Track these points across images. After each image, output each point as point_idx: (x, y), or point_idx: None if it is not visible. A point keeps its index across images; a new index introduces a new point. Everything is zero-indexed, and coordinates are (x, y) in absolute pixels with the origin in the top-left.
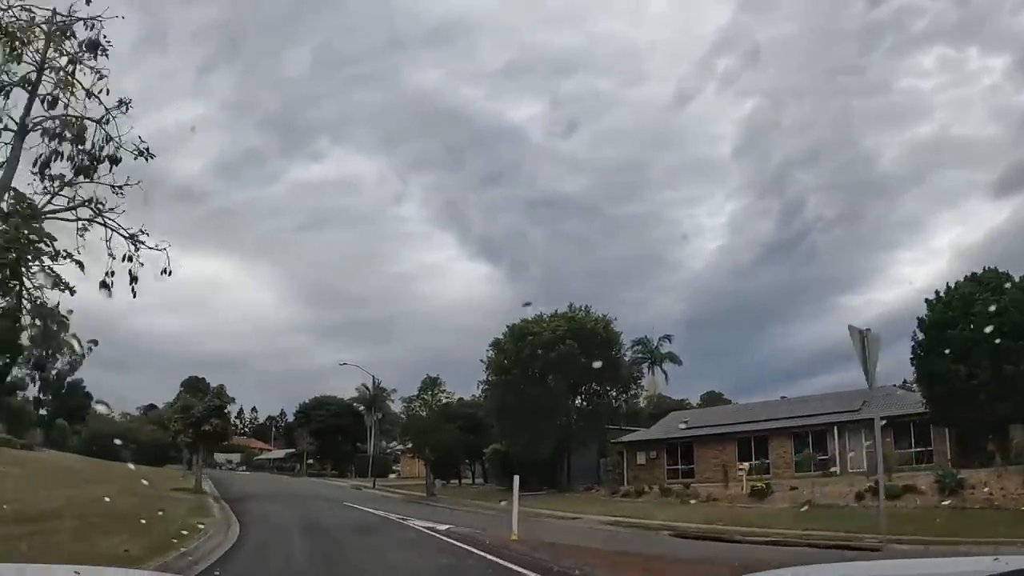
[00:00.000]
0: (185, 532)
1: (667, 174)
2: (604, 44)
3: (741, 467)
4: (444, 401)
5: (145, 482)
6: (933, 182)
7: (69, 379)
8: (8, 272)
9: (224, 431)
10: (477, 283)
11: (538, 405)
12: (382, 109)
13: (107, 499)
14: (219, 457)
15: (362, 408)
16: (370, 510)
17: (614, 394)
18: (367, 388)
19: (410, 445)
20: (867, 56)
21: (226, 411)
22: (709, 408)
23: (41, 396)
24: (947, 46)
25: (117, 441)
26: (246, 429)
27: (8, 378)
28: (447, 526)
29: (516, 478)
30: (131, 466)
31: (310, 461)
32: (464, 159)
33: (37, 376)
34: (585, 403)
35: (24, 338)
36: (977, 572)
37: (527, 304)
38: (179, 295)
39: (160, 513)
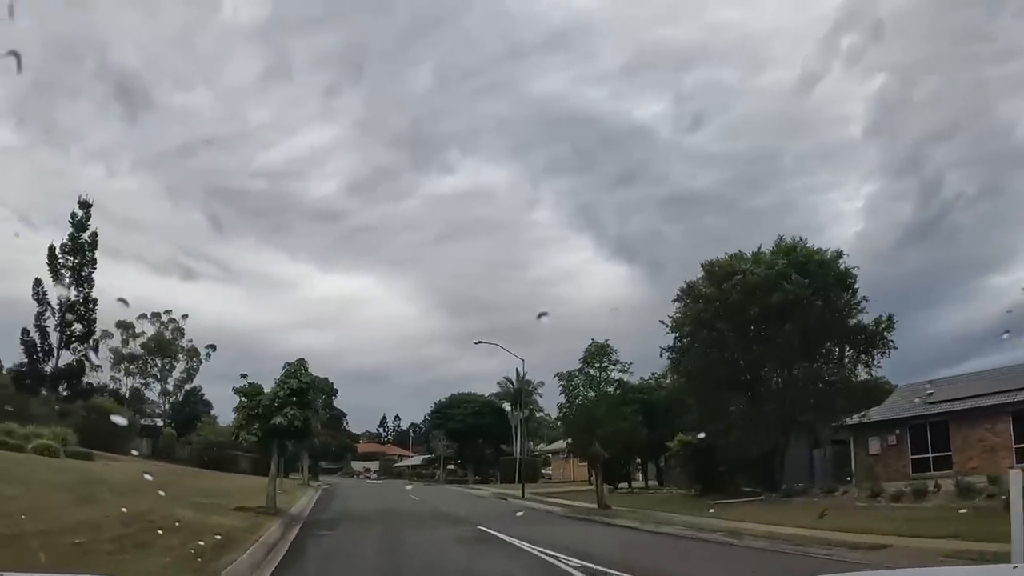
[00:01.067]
0: None
1: (798, 161)
2: (723, 33)
3: None
4: (618, 376)
5: (162, 492)
6: None
7: (188, 387)
8: None
9: (304, 426)
10: (615, 284)
11: (754, 375)
12: (508, 117)
13: None
14: (356, 465)
15: (505, 405)
16: (527, 547)
17: (849, 358)
18: (510, 382)
19: (568, 441)
20: (995, 21)
21: (308, 398)
22: (960, 376)
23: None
24: None
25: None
26: (389, 437)
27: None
28: None
29: None
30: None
31: (450, 466)
32: (594, 161)
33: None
34: (816, 371)
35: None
36: None
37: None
38: (322, 312)
39: None
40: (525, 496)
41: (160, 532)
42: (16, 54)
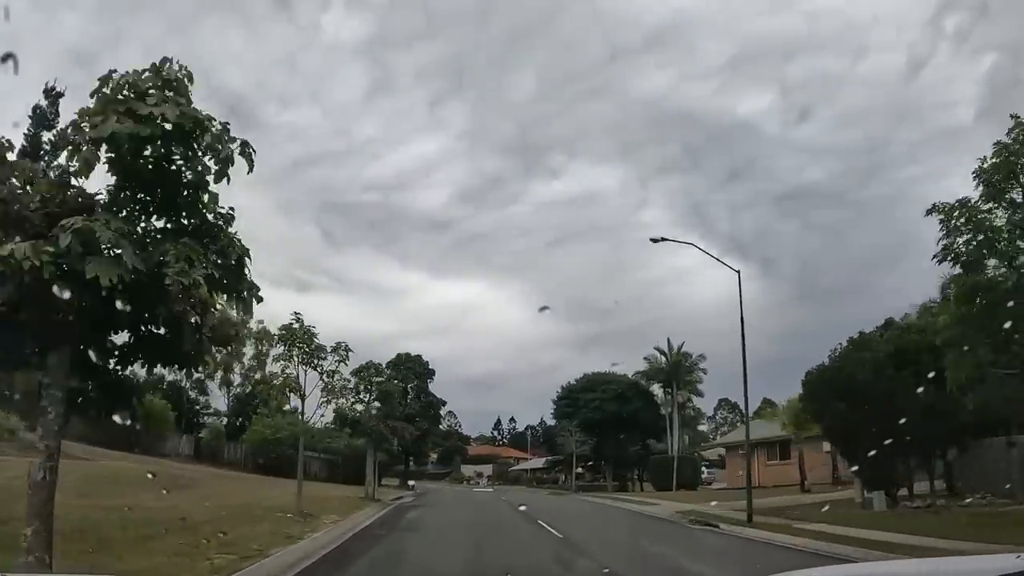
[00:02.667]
0: None
1: (910, 149)
2: (825, 22)
3: None
4: None
5: None
6: None
7: (258, 375)
8: None
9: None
10: (728, 283)
11: None
12: (613, 119)
13: None
14: (466, 470)
15: (655, 387)
16: None
17: None
18: (661, 353)
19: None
20: None
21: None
22: None
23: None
24: None
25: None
26: (503, 440)
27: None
28: None
29: None
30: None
31: (579, 469)
32: (702, 159)
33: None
34: None
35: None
36: (999, 569)
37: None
38: (436, 319)
39: None
40: (753, 521)
41: None
42: (12, 56)
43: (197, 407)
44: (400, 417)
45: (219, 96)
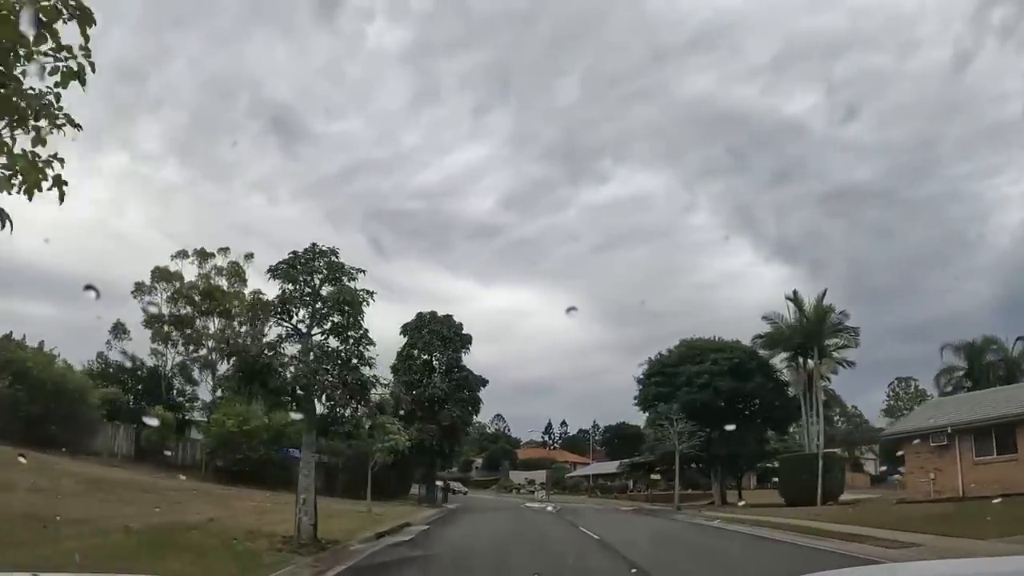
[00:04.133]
0: None
1: (959, 145)
2: (870, 17)
3: None
4: None
5: None
6: None
7: None
8: None
9: None
10: (777, 285)
11: None
12: (659, 122)
13: None
14: (516, 476)
15: (779, 357)
16: None
17: None
18: (792, 301)
19: None
20: None
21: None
22: None
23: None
24: None
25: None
26: (556, 444)
27: None
28: None
29: None
30: None
31: (654, 475)
32: (749, 160)
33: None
34: None
35: None
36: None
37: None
38: (484, 325)
39: None
40: None
41: None
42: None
43: (176, 393)
44: (416, 399)
45: (266, 107)
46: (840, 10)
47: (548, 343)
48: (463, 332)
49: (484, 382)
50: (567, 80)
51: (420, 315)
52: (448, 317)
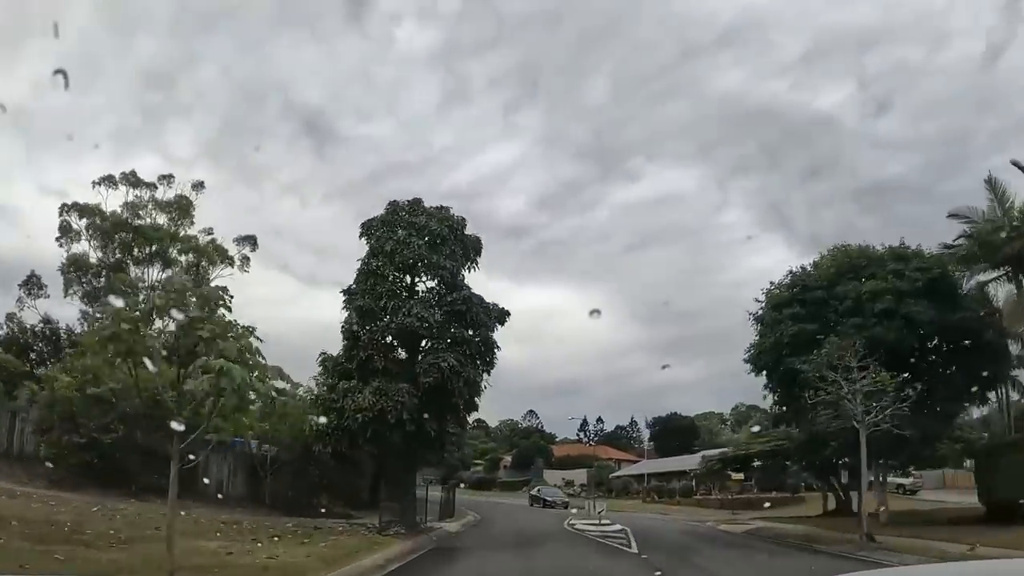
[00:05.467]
0: None
1: (994, 138)
2: (900, 10)
3: None
4: None
5: None
6: None
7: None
8: None
9: None
10: None
11: None
12: (689, 120)
13: None
14: (550, 476)
15: (976, 280)
16: None
17: None
18: (992, 191)
19: None
20: None
21: None
22: None
23: None
24: None
25: None
26: (591, 442)
27: None
28: None
29: None
30: None
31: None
32: (781, 157)
33: None
34: None
35: None
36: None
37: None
38: (517, 326)
39: None
40: None
41: None
42: (63, 72)
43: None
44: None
45: (297, 111)
46: (869, 3)
47: (579, 343)
48: (468, 234)
49: (502, 315)
50: (597, 79)
51: (394, 205)
52: (443, 209)
